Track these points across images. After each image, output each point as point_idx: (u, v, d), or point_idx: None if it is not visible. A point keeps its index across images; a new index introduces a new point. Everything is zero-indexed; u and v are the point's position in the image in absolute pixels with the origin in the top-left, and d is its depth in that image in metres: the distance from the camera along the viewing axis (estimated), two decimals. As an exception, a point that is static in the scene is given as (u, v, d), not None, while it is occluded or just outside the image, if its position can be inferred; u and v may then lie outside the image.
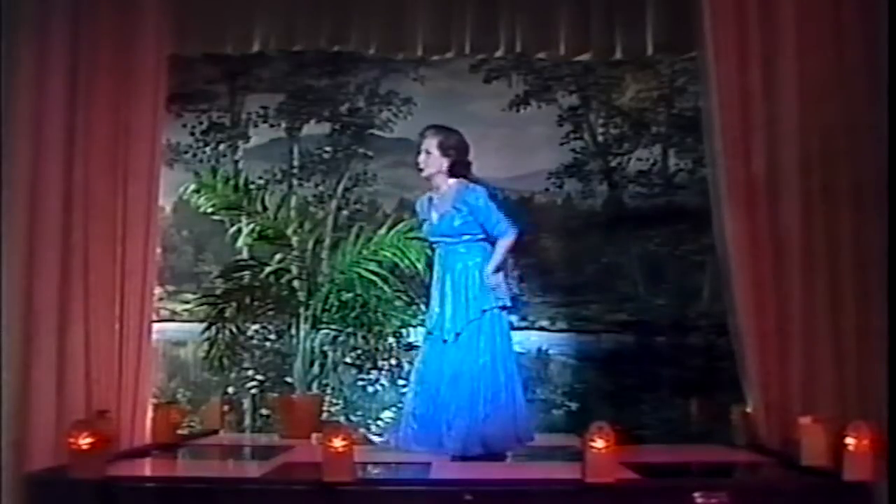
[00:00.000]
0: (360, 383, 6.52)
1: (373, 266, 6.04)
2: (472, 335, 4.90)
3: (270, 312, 6.28)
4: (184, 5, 5.40)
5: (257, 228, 6.18)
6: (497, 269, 4.94)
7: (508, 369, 4.94)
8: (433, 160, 5.03)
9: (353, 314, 6.03)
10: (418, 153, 5.08)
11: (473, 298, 4.92)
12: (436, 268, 5.12)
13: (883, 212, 4.57)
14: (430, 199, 5.12)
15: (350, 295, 6.04)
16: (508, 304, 4.99)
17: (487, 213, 4.95)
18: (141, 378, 5.00)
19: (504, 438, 4.85)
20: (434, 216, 5.07)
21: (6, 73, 4.65)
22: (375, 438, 5.94)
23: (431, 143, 5.03)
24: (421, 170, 5.08)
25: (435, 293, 5.07)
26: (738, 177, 4.84)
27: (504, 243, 4.95)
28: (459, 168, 5.05)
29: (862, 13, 4.78)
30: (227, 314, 6.09)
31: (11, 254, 4.61)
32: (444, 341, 4.93)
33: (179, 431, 5.53)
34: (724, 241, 4.94)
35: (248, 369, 6.68)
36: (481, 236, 5.00)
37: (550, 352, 6.74)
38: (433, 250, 5.26)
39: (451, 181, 5.05)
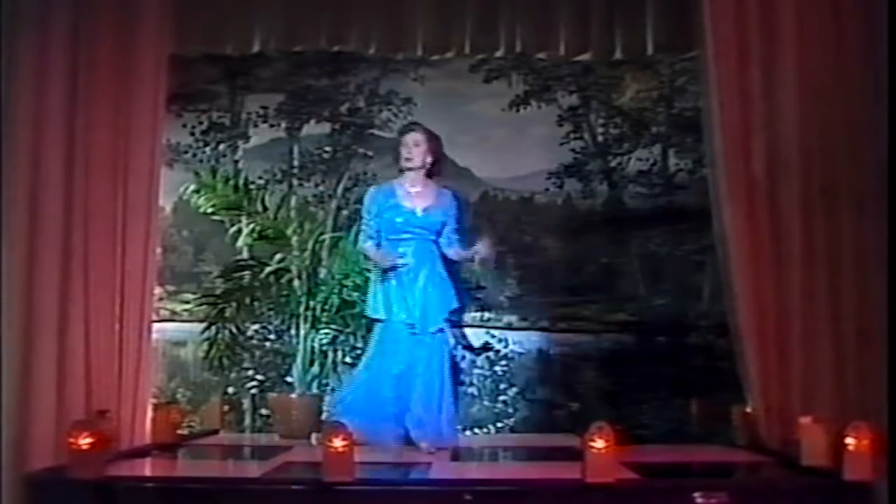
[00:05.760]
0: (360, 383, 6.52)
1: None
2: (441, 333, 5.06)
3: (270, 312, 6.28)
4: (184, 5, 5.38)
5: (257, 228, 6.19)
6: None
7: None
8: (420, 153, 5.13)
9: (353, 314, 6.03)
10: (402, 146, 5.17)
11: (447, 296, 5.06)
12: (407, 259, 5.08)
13: (883, 212, 4.58)
14: (407, 191, 5.15)
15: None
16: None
17: (460, 219, 5.19)
18: (141, 378, 4.99)
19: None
20: (418, 209, 5.12)
21: (6, 73, 4.65)
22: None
23: (420, 138, 5.15)
24: (408, 159, 5.14)
25: (409, 285, 5.06)
26: (738, 177, 4.83)
27: (454, 254, 5.14)
28: (437, 168, 5.21)
29: (862, 13, 4.78)
30: (227, 314, 6.09)
31: (11, 254, 4.61)
32: (415, 333, 5.00)
33: (179, 431, 5.53)
34: (724, 241, 4.94)
35: (248, 369, 6.67)
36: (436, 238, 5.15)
37: (550, 352, 6.73)
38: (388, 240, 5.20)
39: (429, 179, 5.19)
